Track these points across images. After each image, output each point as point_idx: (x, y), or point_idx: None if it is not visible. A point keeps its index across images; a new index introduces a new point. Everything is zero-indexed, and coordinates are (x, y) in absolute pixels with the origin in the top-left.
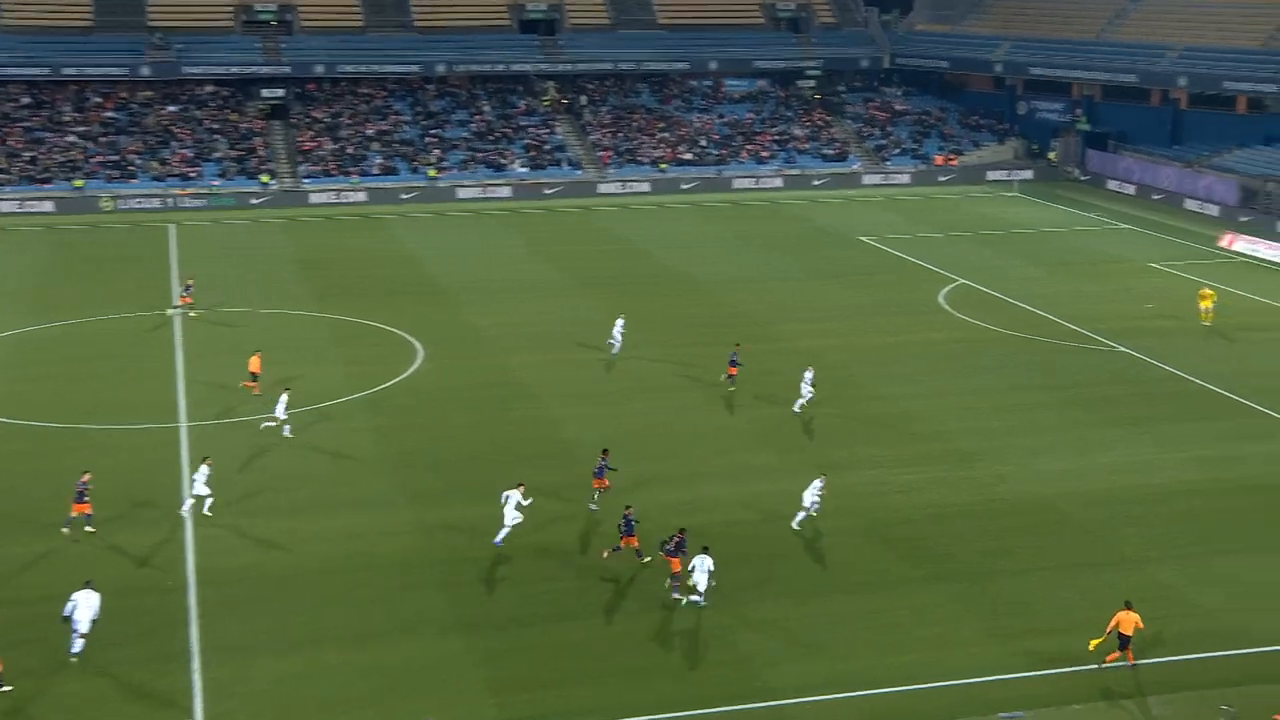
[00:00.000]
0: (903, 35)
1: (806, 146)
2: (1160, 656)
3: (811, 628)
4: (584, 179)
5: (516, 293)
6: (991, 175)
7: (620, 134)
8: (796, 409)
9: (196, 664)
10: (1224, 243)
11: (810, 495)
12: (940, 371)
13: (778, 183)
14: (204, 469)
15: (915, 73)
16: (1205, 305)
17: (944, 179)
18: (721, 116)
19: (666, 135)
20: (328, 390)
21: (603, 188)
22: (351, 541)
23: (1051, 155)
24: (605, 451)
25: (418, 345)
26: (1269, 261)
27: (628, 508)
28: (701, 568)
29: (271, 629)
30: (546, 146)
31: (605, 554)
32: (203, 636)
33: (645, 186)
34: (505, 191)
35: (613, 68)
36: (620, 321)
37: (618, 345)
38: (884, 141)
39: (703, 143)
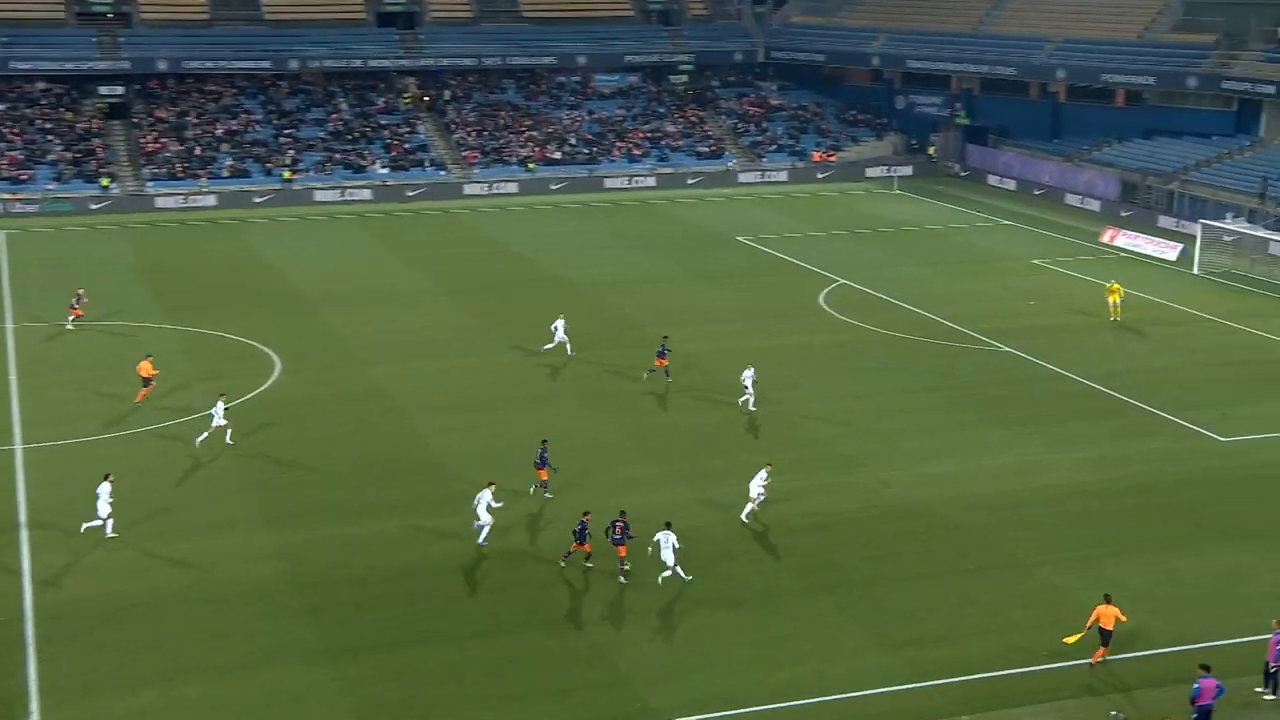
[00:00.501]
0: (777, 28)
1: (680, 144)
2: (1054, 662)
3: (693, 644)
4: (448, 180)
5: (380, 300)
6: (871, 172)
7: (486, 132)
8: (750, 406)
9: (35, 706)
10: (1106, 238)
11: (756, 486)
12: (822, 375)
13: (651, 182)
14: (105, 486)
15: (791, 66)
16: (1113, 300)
17: (822, 176)
18: (591, 113)
19: (534, 133)
20: (179, 407)
21: (468, 189)
22: (207, 568)
23: (931, 150)
24: (545, 442)
25: (275, 357)
26: (1150, 257)
27: (585, 513)
28: (665, 544)
29: (119, 664)
30: (408, 146)
31: (562, 561)
32: (41, 676)
33: (513, 187)
34: (365, 194)
35: (476, 63)
36: (561, 323)
37: (567, 347)
38: (760, 138)
39: (572, 141)
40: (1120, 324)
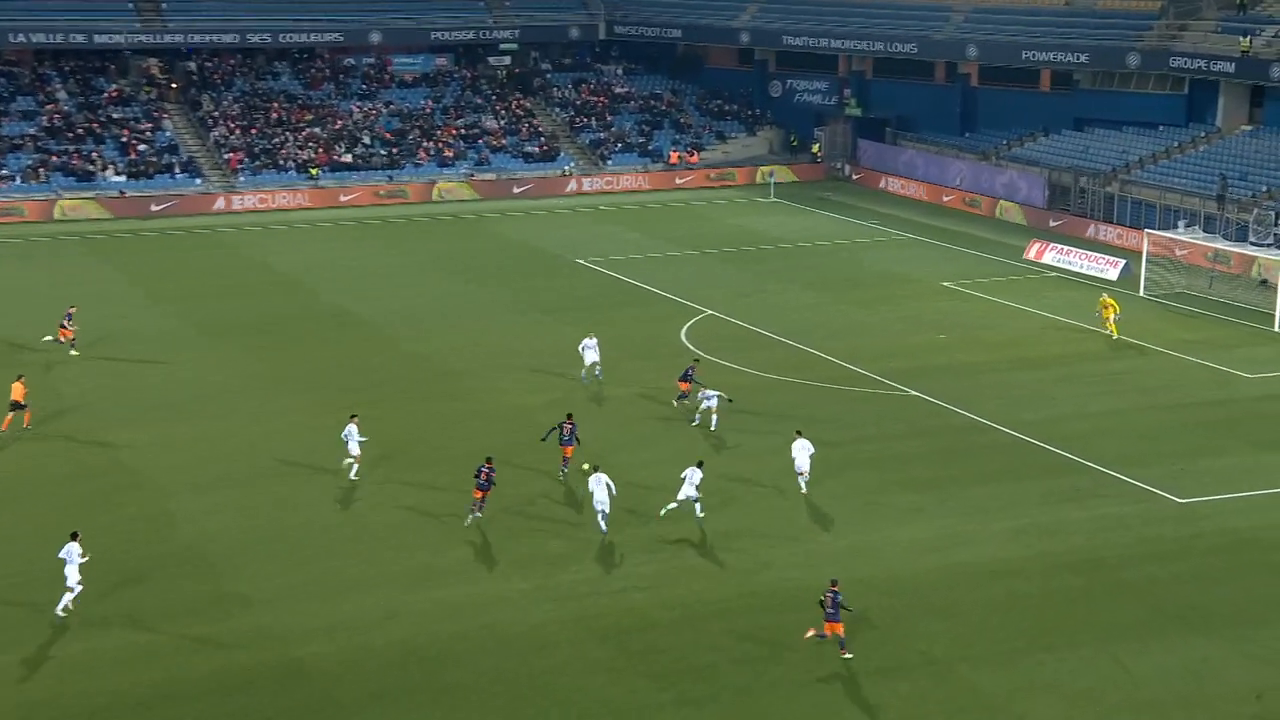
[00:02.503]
0: None
1: (503, 143)
2: None
3: None
4: (205, 190)
5: (116, 345)
6: (742, 176)
7: (254, 130)
8: (712, 424)
9: None
10: (1031, 254)
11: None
12: (684, 429)
13: (468, 191)
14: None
15: (640, 45)
16: (1108, 315)
17: (682, 181)
18: (390, 105)
19: (317, 131)
20: None
21: (233, 202)
22: None
23: (815, 149)
24: (570, 416)
25: None
26: (1086, 276)
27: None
28: (691, 480)
29: None
30: (152, 148)
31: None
32: None
33: (292, 199)
34: (94, 209)
35: (238, 40)
36: (591, 341)
37: (597, 369)
38: (603, 135)
39: (366, 140)
40: (1119, 342)
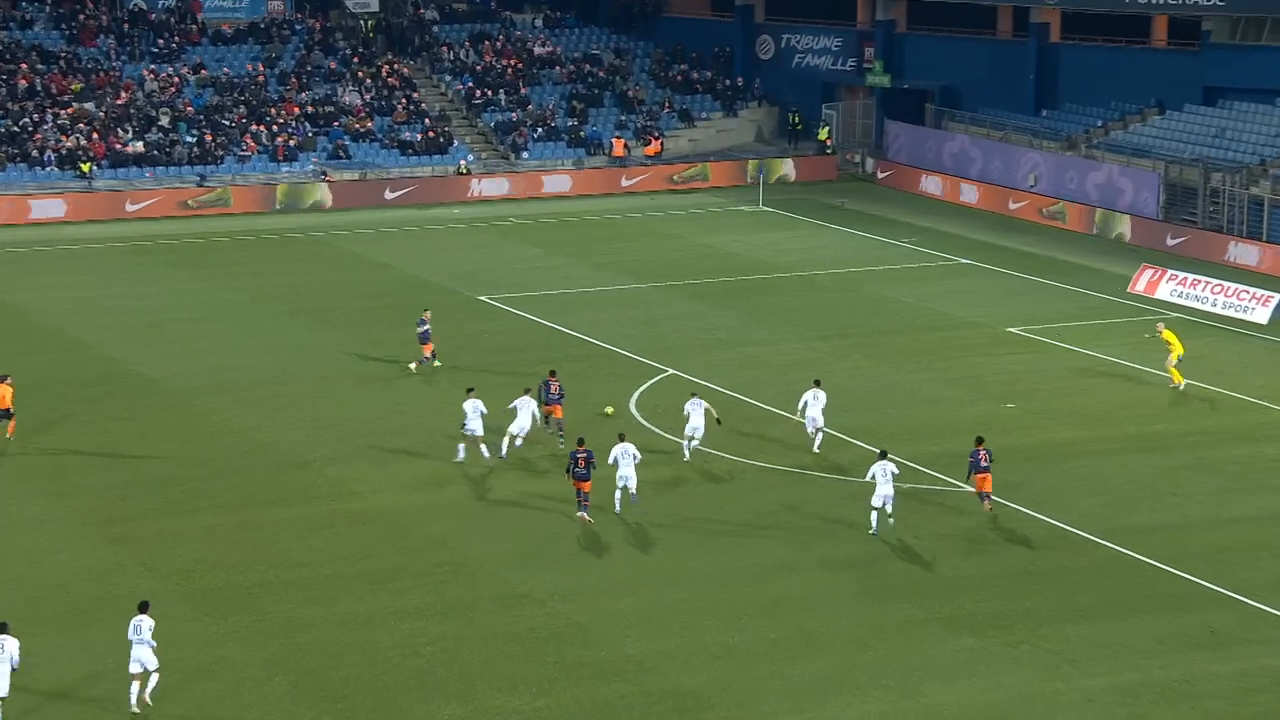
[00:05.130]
0: None
1: (369, 126)
2: None
3: None
4: None
5: None
6: (719, 173)
7: None
8: (686, 451)
9: None
10: (1140, 285)
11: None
12: (636, 543)
13: (322, 194)
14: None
15: None
16: (1172, 354)
17: (632, 183)
18: (200, 70)
19: (89, 107)
20: None
21: None
22: None
23: (824, 135)
24: (553, 373)
25: None
26: (1221, 317)
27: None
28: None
29: None
30: None
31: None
32: None
33: (52, 208)
34: None
35: None
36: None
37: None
38: (515, 116)
39: (164, 122)
40: (1183, 393)
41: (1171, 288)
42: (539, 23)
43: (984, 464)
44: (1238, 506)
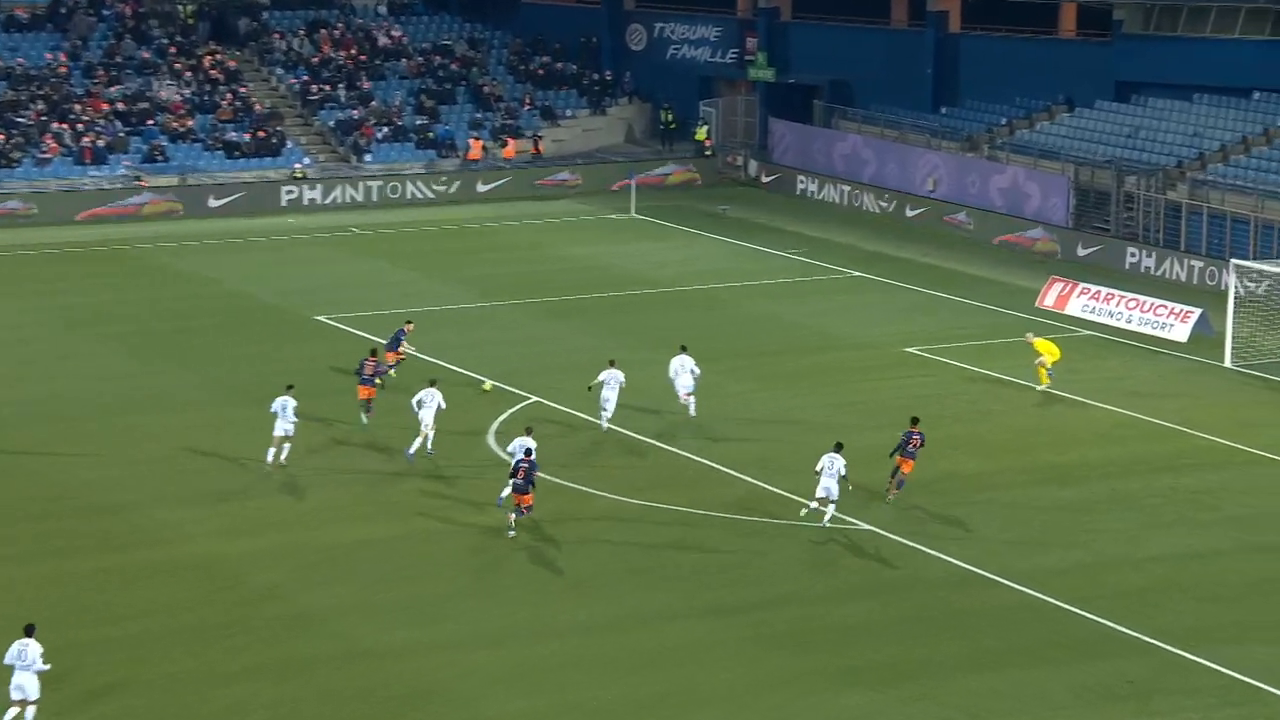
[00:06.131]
0: None
1: (189, 125)
2: None
3: None
4: None
5: None
6: (587, 178)
7: None
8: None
9: None
10: (1049, 300)
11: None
12: (497, 589)
13: (137, 198)
14: None
15: None
16: (1047, 359)
17: (489, 188)
18: None
19: None
20: None
21: None
22: None
23: (702, 134)
24: (374, 352)
25: None
26: (1134, 334)
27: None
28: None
29: None
30: None
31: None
32: None
33: None
34: None
35: None
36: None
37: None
38: (358, 114)
39: None
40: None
41: (1083, 302)
42: (383, 9)
43: (910, 449)
44: (1156, 543)
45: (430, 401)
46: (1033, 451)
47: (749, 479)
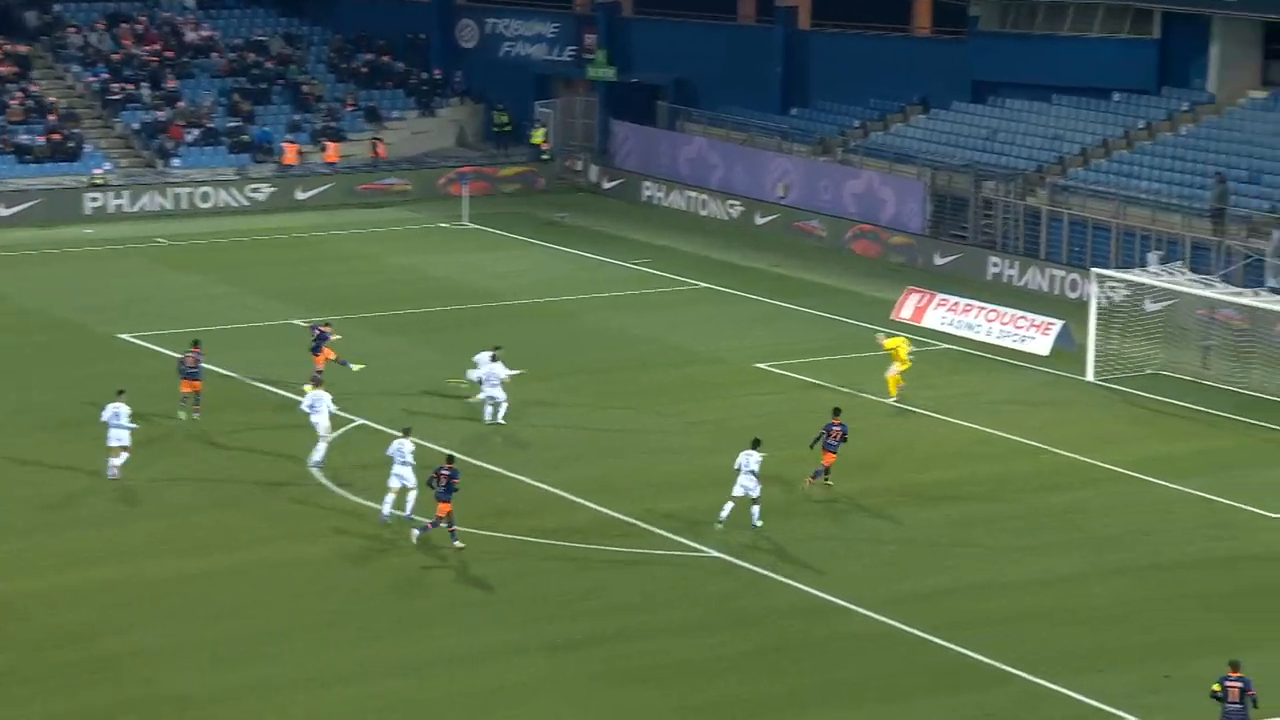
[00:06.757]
0: None
1: None
2: None
3: None
4: None
5: None
6: (415, 184)
7: None
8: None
9: None
10: (905, 311)
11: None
12: (319, 636)
13: None
14: None
15: None
16: (898, 366)
17: (308, 195)
18: None
19: None
20: None
21: None
22: None
23: (538, 137)
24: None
25: None
26: (994, 347)
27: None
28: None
29: None
30: None
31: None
32: None
33: None
34: None
35: None
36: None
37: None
38: (164, 115)
39: None
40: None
41: (941, 314)
42: (190, 2)
43: (831, 441)
44: (1018, 568)
45: (321, 406)
46: (890, 471)
47: (591, 504)
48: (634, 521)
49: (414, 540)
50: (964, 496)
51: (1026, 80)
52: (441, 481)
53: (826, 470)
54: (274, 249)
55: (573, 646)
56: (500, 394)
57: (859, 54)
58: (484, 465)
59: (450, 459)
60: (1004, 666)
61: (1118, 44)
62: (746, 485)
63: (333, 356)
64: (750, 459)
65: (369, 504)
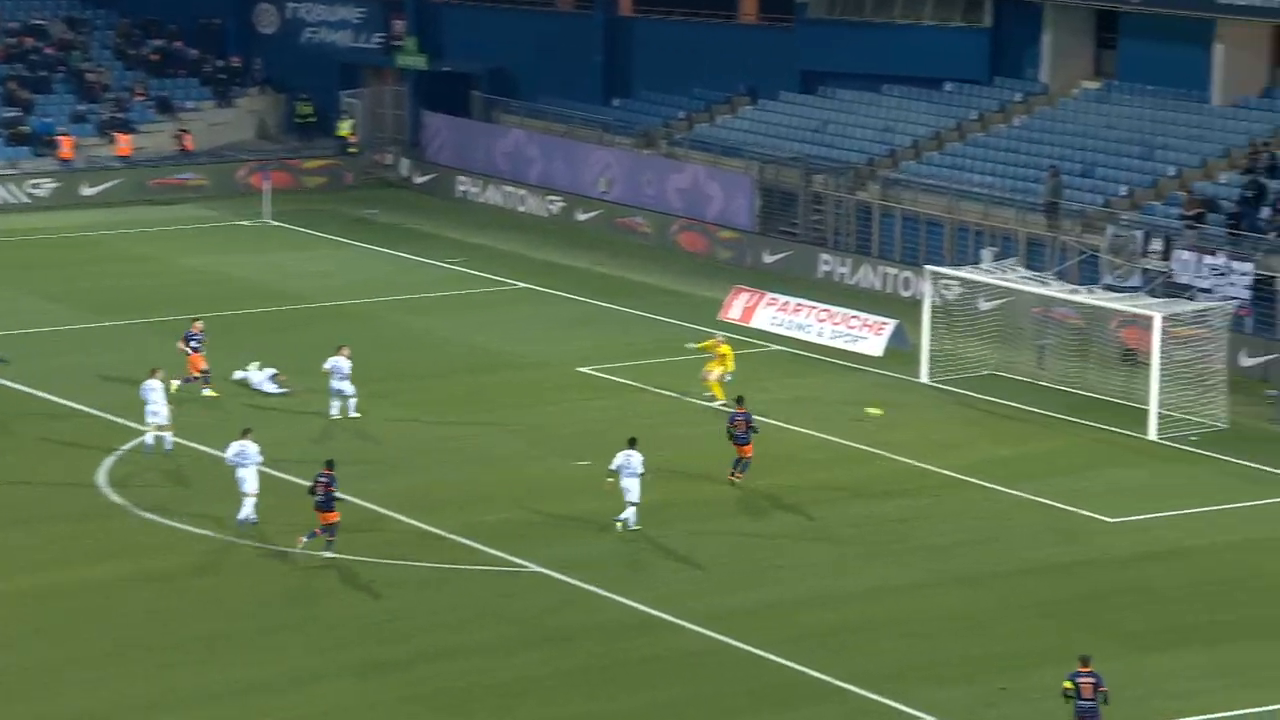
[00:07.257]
0: None
1: None
2: None
3: None
4: None
5: None
6: (211, 178)
7: None
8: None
9: None
10: (733, 312)
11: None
12: (122, 654)
13: None
14: None
15: None
16: (717, 368)
17: (94, 191)
18: None
19: None
20: None
21: None
22: None
23: (345, 129)
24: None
25: None
26: (825, 349)
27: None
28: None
29: None
30: None
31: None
32: None
33: None
34: None
35: None
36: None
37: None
38: None
39: None
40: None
41: (771, 314)
42: None
43: (739, 434)
44: (849, 578)
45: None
46: (717, 479)
47: (403, 518)
48: (447, 535)
49: (299, 548)
50: (794, 505)
51: (856, 70)
52: (321, 490)
53: (739, 462)
54: (56, 249)
55: (382, 670)
56: (349, 387)
57: (683, 42)
58: (291, 479)
59: (329, 464)
60: (837, 682)
61: (949, 32)
62: (628, 488)
63: (195, 372)
64: (632, 459)
65: (164, 521)
